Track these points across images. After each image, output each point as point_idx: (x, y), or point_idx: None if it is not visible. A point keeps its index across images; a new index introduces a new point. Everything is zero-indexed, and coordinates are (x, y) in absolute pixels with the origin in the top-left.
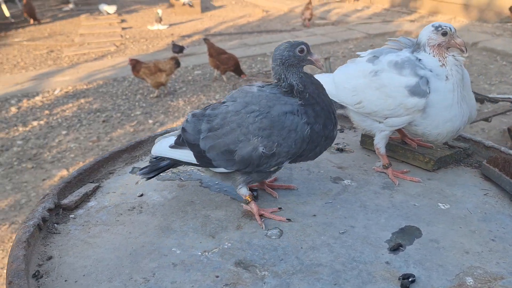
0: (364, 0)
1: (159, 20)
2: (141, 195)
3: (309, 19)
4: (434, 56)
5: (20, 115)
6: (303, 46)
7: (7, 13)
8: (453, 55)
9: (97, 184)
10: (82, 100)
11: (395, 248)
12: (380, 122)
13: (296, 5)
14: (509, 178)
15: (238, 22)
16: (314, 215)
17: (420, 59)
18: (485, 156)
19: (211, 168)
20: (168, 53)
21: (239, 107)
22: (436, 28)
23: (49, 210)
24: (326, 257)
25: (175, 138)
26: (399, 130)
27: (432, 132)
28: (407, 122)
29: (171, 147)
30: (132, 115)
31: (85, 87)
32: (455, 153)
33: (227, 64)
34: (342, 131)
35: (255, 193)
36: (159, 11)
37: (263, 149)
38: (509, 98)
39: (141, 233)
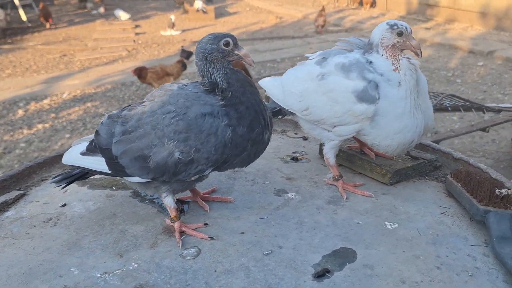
0: (380, 7)
1: (172, 25)
2: (64, 205)
3: (322, 26)
4: (387, 58)
5: (27, 118)
6: (228, 39)
7: (24, 17)
8: (407, 58)
9: (23, 191)
10: (89, 104)
11: (320, 275)
12: (329, 131)
13: (310, 12)
14: (469, 195)
15: (250, 28)
16: (243, 233)
17: (371, 62)
18: (454, 168)
19: (125, 178)
20: (178, 58)
21: (155, 107)
22: (391, 26)
23: None
24: (239, 284)
25: (87, 144)
26: (357, 139)
27: (381, 143)
28: (356, 131)
29: (83, 154)
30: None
31: (93, 91)
32: (418, 165)
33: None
34: (306, 139)
35: (185, 206)
36: (172, 17)
37: (179, 154)
38: (510, 107)
39: (45, 249)
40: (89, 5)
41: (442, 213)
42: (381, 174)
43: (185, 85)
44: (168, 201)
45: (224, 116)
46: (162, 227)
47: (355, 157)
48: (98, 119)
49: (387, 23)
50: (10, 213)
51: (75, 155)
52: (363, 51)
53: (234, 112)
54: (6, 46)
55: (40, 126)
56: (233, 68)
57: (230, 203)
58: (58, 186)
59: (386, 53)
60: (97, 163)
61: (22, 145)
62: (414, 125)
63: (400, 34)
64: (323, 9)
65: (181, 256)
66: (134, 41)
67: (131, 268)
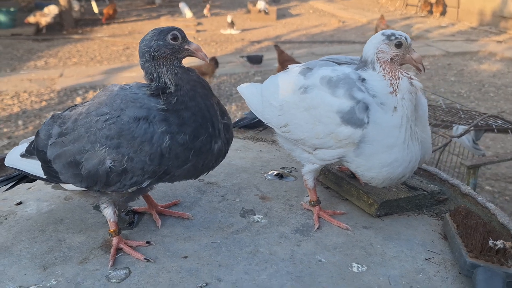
0: (450, 17)
1: (231, 25)
2: (19, 203)
3: None
4: (384, 76)
5: None
6: (175, 32)
7: (96, 9)
8: (409, 77)
9: None
10: None
11: None
12: (309, 153)
13: (375, 17)
14: (461, 242)
15: (311, 31)
16: (185, 257)
17: (363, 79)
18: (460, 205)
19: (61, 185)
20: (234, 57)
21: (91, 108)
22: (388, 37)
23: None
24: None
25: (27, 145)
26: None
27: (364, 174)
28: (339, 156)
29: (22, 155)
30: None
31: None
32: (415, 198)
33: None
34: None
35: (134, 217)
36: (229, 17)
37: (111, 163)
38: None
39: None
40: (157, 1)
41: (426, 259)
42: (367, 204)
43: (130, 86)
44: (108, 213)
45: (162, 121)
46: (102, 240)
47: (343, 181)
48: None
49: (383, 33)
50: None
51: (15, 157)
52: (356, 67)
53: (175, 118)
54: (76, 36)
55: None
56: (185, 67)
57: (187, 220)
58: None
59: (384, 69)
60: (34, 166)
61: None
62: (407, 159)
63: (399, 45)
64: (382, 16)
65: (106, 277)
66: (194, 38)
67: (48, 285)
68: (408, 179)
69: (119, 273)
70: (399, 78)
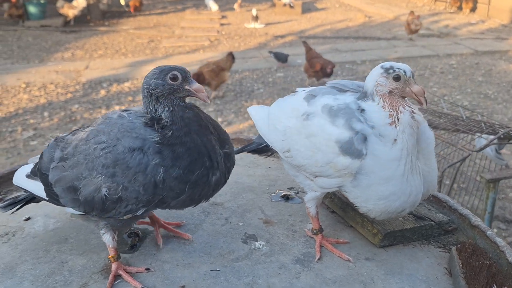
0: (481, 13)
1: (255, 18)
2: (28, 219)
3: (413, 29)
4: (383, 107)
5: (107, 99)
6: (175, 73)
7: (122, 1)
8: (411, 111)
9: (1, 196)
10: None
11: None
12: (311, 180)
13: (403, 13)
14: (464, 283)
15: (336, 26)
16: (183, 286)
17: (363, 109)
18: (470, 236)
19: (64, 207)
20: (257, 52)
21: (90, 136)
22: (387, 70)
23: None
24: None
25: (33, 166)
26: None
27: (361, 206)
28: (338, 185)
29: (28, 176)
30: (205, 110)
31: None
32: (422, 228)
33: (314, 67)
34: None
35: (136, 240)
36: (254, 10)
37: (106, 191)
38: None
39: None
40: None
41: None
42: (372, 233)
43: (129, 113)
44: (106, 238)
45: (156, 154)
46: (103, 264)
47: (349, 207)
48: None
49: (382, 66)
50: None
51: (22, 177)
52: (358, 96)
53: (169, 152)
54: (102, 28)
55: (116, 107)
56: (184, 104)
57: (186, 245)
58: (4, 211)
59: (384, 101)
60: (39, 188)
61: None
62: (406, 193)
63: (397, 78)
64: (412, 13)
65: None
66: (218, 31)
67: None
68: (416, 207)
69: None
70: (400, 111)
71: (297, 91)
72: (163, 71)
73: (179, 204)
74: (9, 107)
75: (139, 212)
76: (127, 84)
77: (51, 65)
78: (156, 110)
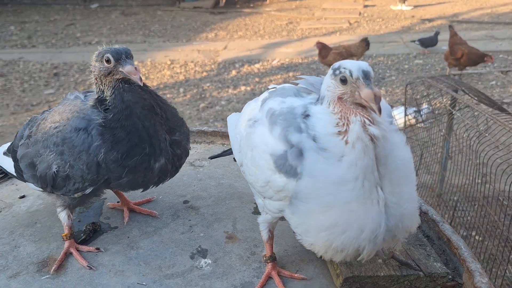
0: None
1: (403, 0)
2: (22, 196)
3: None
4: (333, 112)
5: (236, 79)
6: (108, 55)
7: None
8: (363, 122)
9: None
10: (291, 73)
11: None
12: (262, 200)
13: None
14: None
15: (497, 9)
16: None
17: (307, 115)
18: None
19: (27, 184)
20: (397, 36)
21: (49, 116)
22: (334, 71)
23: None
24: None
25: (10, 144)
26: None
27: (303, 238)
28: (279, 210)
29: (4, 153)
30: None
31: (299, 61)
32: (404, 278)
33: (454, 55)
34: None
35: (90, 236)
36: None
37: (56, 168)
38: None
39: None
40: None
41: None
42: (335, 273)
43: (86, 95)
44: (62, 216)
45: (98, 135)
46: (46, 255)
47: None
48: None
49: (332, 67)
50: None
51: (0, 153)
52: (316, 99)
53: (110, 135)
54: (247, 10)
55: (243, 88)
56: (126, 86)
57: (135, 250)
58: None
59: (334, 107)
60: (10, 164)
61: (223, 102)
62: (354, 226)
63: (343, 81)
64: None
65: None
66: (360, 13)
67: None
68: (411, 249)
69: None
70: (350, 121)
71: (267, 89)
72: (100, 53)
73: (123, 186)
74: (153, 81)
75: (87, 191)
76: (257, 66)
77: (195, 45)
78: (103, 91)
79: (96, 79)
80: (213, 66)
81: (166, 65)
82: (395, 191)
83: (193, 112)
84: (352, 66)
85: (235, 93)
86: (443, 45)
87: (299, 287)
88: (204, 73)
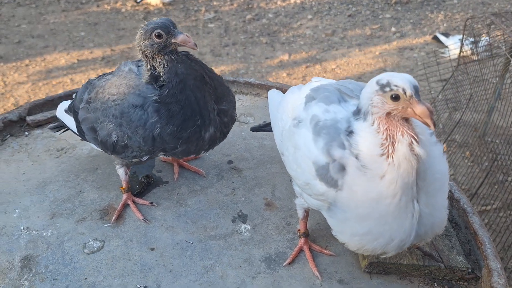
0: None
1: None
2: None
3: None
4: (378, 132)
5: None
6: (159, 31)
7: None
8: (410, 142)
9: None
10: None
11: None
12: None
13: None
14: None
15: None
16: (152, 249)
17: (351, 131)
18: None
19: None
20: None
21: (107, 86)
22: (382, 87)
23: (10, 121)
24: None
25: (70, 103)
26: None
27: (337, 236)
28: (318, 207)
29: (65, 111)
30: (380, 17)
31: None
32: (424, 268)
33: None
34: None
35: (145, 188)
36: None
37: (115, 137)
38: None
39: (27, 179)
40: None
41: None
42: (362, 255)
43: (139, 67)
44: (120, 172)
45: (154, 112)
46: (107, 203)
47: None
48: (344, 7)
49: (377, 82)
50: (39, 131)
51: (61, 111)
52: (356, 110)
53: (165, 111)
54: None
55: (292, 0)
56: (179, 57)
57: (184, 207)
58: (54, 132)
59: (379, 124)
60: (72, 123)
61: (270, 15)
62: (386, 236)
63: (396, 98)
64: None
65: (84, 244)
66: None
67: (44, 234)
68: (437, 239)
69: (94, 245)
70: (397, 141)
71: (311, 81)
72: (147, 31)
73: (177, 154)
74: None
75: (144, 159)
76: None
77: None
78: (154, 67)
79: (147, 57)
80: None
81: None
82: (429, 202)
83: (238, 24)
84: (403, 83)
85: (283, 6)
86: None
87: (327, 262)
88: None
